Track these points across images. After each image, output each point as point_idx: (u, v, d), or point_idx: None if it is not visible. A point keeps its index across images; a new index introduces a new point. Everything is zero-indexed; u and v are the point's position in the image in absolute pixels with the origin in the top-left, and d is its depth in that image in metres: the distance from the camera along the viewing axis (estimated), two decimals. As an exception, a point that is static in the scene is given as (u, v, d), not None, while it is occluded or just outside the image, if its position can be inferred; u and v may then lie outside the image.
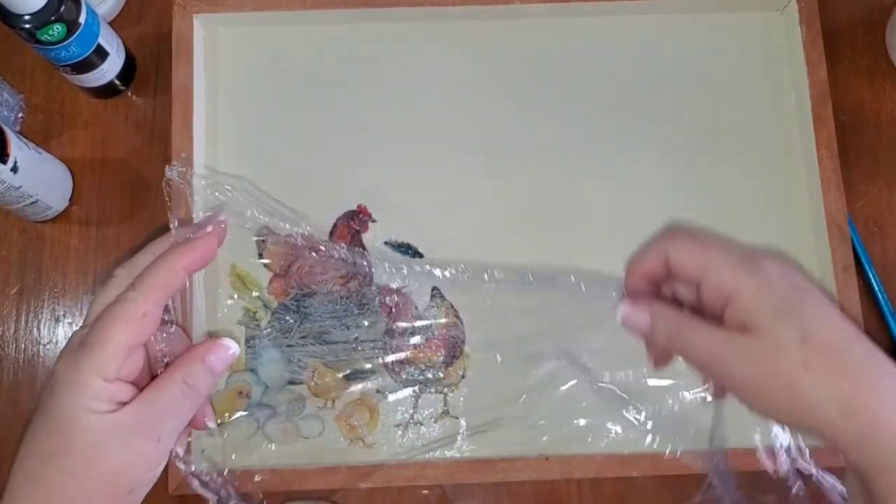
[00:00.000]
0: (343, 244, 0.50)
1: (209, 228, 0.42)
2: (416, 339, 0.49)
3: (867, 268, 0.52)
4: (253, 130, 0.52)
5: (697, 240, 0.38)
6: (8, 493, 0.36)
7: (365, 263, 0.50)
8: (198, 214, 0.47)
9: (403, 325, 0.49)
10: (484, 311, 0.49)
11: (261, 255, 0.50)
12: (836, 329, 0.34)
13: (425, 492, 0.49)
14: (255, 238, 0.50)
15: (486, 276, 0.47)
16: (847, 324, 0.34)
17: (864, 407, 0.32)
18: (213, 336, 0.45)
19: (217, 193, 0.47)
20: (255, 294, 0.50)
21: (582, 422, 0.48)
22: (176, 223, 0.44)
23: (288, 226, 0.48)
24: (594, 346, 0.48)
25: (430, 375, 0.49)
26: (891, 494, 0.32)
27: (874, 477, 0.32)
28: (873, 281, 0.51)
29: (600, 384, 0.48)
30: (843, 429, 0.32)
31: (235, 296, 0.50)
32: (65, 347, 0.38)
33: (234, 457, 0.48)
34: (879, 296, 0.51)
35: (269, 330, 0.49)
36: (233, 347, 0.40)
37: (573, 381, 0.49)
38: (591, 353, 0.48)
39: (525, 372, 0.49)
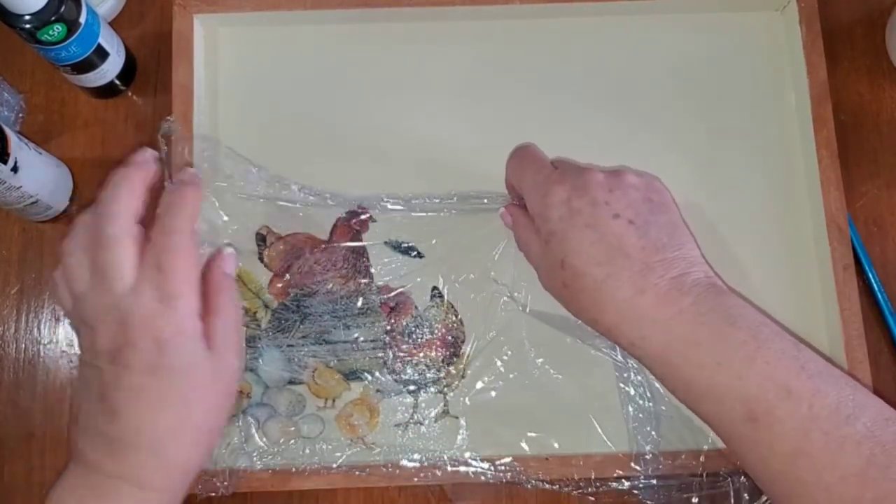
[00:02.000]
0: (343, 244, 0.50)
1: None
2: (416, 339, 0.49)
3: (867, 267, 0.52)
4: (253, 130, 0.52)
5: (518, 162, 0.46)
6: (112, 409, 0.37)
7: (365, 263, 0.50)
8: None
9: (403, 324, 0.49)
10: (484, 311, 0.49)
11: (261, 255, 0.50)
12: (584, 257, 0.40)
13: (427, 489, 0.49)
14: (255, 236, 0.50)
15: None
16: (597, 249, 0.40)
17: (602, 322, 0.40)
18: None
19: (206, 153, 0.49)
20: (255, 294, 0.50)
21: (584, 422, 0.48)
22: (171, 179, 0.45)
23: (273, 191, 0.50)
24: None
25: (430, 375, 0.49)
26: (660, 376, 0.40)
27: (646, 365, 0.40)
28: (873, 280, 0.52)
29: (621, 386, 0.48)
30: (599, 332, 0.41)
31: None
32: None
33: (234, 456, 0.48)
34: (879, 295, 0.51)
35: (269, 330, 0.49)
36: (233, 251, 0.43)
37: (573, 381, 0.49)
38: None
39: (525, 371, 0.49)
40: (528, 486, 0.48)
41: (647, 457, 0.47)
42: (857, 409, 0.35)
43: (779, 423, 0.36)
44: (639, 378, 0.48)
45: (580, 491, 0.47)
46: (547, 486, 0.49)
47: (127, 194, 0.39)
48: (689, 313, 0.38)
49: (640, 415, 0.47)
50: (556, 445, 0.48)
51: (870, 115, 0.55)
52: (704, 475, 0.46)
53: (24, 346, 0.52)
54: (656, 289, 0.39)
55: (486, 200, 0.50)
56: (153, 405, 0.37)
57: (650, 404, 0.47)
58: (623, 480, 0.47)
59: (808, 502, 0.35)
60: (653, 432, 0.47)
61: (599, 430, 0.48)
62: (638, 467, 0.47)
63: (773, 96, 0.53)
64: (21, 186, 0.47)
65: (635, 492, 0.47)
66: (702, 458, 0.47)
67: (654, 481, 0.46)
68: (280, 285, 0.50)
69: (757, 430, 0.36)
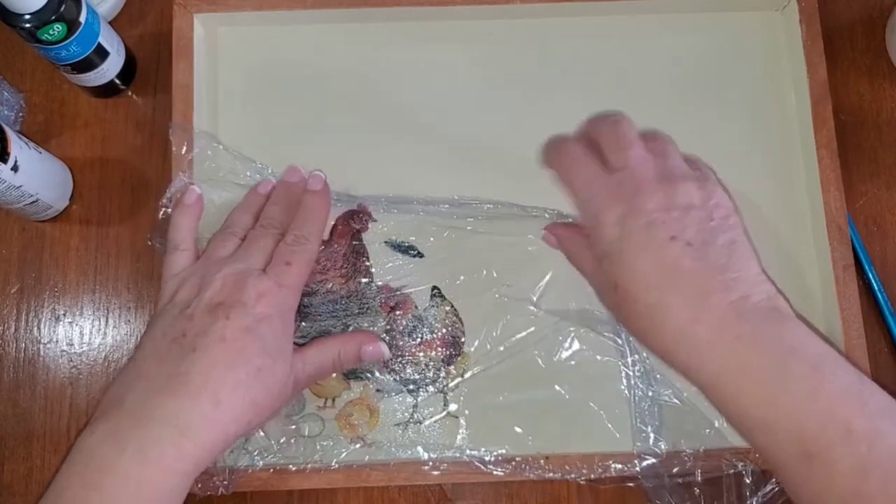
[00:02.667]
0: (343, 243, 0.50)
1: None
2: (416, 339, 0.49)
3: (867, 267, 0.52)
4: (253, 129, 0.52)
5: (565, 162, 0.44)
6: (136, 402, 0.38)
7: (365, 263, 0.50)
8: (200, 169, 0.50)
9: (403, 324, 0.49)
10: (484, 311, 0.49)
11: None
12: (638, 281, 0.38)
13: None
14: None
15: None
16: (651, 273, 0.38)
17: (656, 347, 0.39)
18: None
19: (209, 152, 0.50)
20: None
21: (584, 422, 0.48)
22: (180, 174, 0.49)
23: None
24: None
25: (430, 374, 0.49)
26: (714, 403, 0.38)
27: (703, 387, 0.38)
28: (873, 280, 0.52)
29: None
30: (653, 353, 0.39)
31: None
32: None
33: (234, 455, 0.48)
34: (879, 295, 0.51)
35: (269, 329, 0.49)
36: (386, 353, 0.47)
37: (574, 380, 0.49)
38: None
39: (525, 370, 0.49)
40: (529, 480, 0.48)
41: (648, 453, 0.47)
42: None
43: (836, 462, 0.34)
44: (639, 369, 0.48)
45: (582, 481, 0.47)
46: (548, 481, 0.49)
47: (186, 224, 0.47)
48: (747, 341, 0.36)
49: (643, 403, 0.47)
50: (556, 444, 0.48)
51: (870, 114, 0.55)
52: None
53: (23, 345, 0.52)
54: (713, 315, 0.37)
55: (487, 207, 0.49)
56: (232, 357, 0.39)
57: (651, 392, 0.47)
58: (626, 480, 0.47)
59: None
60: (655, 421, 0.47)
61: (602, 427, 0.48)
62: (641, 463, 0.47)
63: (773, 96, 0.53)
64: (21, 186, 0.47)
65: (631, 484, 0.47)
66: (702, 449, 0.47)
67: (657, 476, 0.46)
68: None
69: (812, 469, 0.35)
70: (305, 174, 0.48)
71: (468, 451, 0.48)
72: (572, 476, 0.47)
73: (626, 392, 0.48)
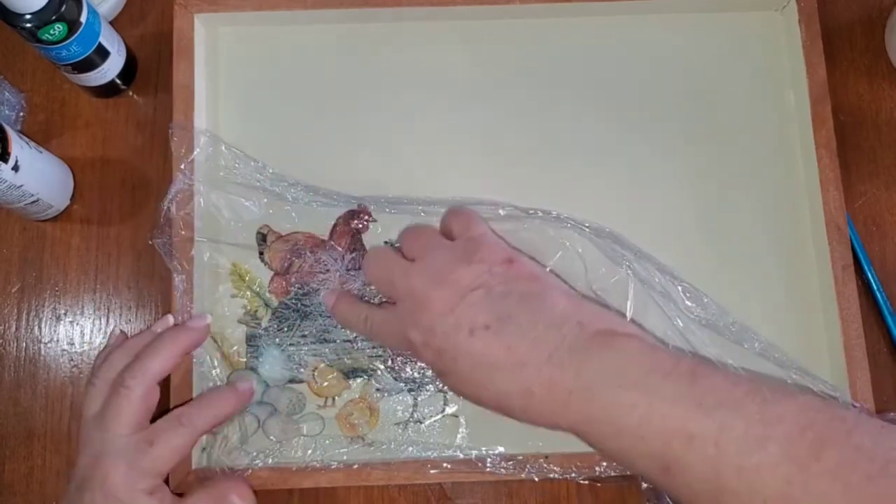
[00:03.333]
0: (344, 243, 0.50)
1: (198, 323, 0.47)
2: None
3: (866, 267, 0.52)
4: (254, 129, 0.52)
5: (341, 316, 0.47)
6: None
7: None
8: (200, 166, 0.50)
9: (403, 323, 0.49)
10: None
11: (262, 254, 0.50)
12: (472, 388, 0.40)
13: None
14: (256, 235, 0.50)
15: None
16: (476, 375, 0.40)
17: (525, 421, 0.40)
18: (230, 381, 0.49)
19: (210, 149, 0.50)
20: (255, 293, 0.50)
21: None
22: (184, 166, 0.49)
23: (279, 189, 0.50)
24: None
25: (429, 374, 0.49)
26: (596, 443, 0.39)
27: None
28: (872, 280, 0.52)
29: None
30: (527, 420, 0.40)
31: (236, 294, 0.50)
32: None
33: (234, 455, 0.48)
34: (878, 295, 0.51)
35: (269, 328, 0.49)
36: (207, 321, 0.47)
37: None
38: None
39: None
40: (529, 480, 0.48)
41: None
42: (767, 429, 0.35)
43: (690, 469, 0.35)
44: None
45: (582, 480, 0.47)
46: (548, 481, 0.49)
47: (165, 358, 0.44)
48: (578, 394, 0.38)
49: None
50: (555, 444, 0.48)
51: (869, 114, 0.55)
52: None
53: (24, 344, 0.52)
54: (539, 382, 0.38)
55: (486, 207, 0.49)
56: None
57: None
58: (624, 479, 0.47)
59: None
60: None
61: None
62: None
63: (773, 96, 0.53)
64: (22, 185, 0.47)
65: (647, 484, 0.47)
66: None
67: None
68: (280, 284, 0.50)
69: (674, 479, 0.36)
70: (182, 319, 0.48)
71: (468, 451, 0.48)
72: (572, 475, 0.47)
73: None
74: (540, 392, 0.38)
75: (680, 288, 0.48)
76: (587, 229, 0.49)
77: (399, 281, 0.43)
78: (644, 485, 0.46)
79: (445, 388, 0.49)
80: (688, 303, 0.48)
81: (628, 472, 0.46)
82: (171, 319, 0.48)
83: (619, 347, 0.39)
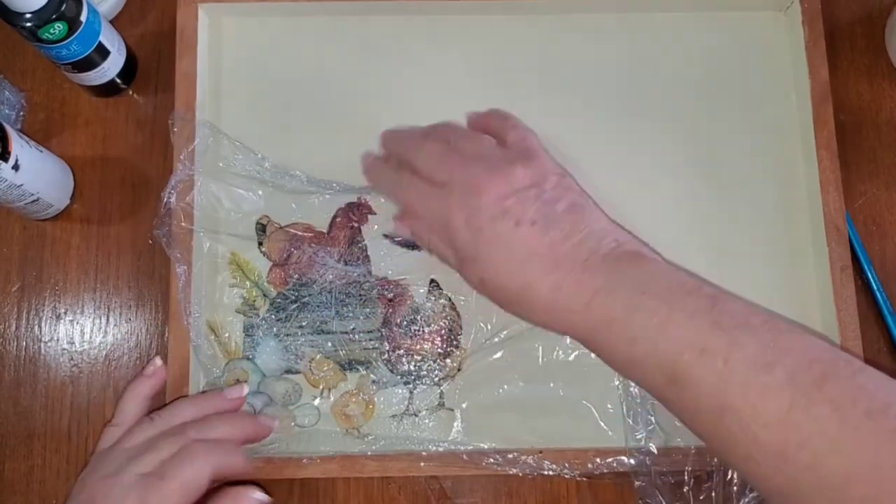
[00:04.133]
0: (342, 235, 0.50)
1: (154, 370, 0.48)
2: (413, 331, 0.49)
3: (866, 267, 0.52)
4: (256, 120, 0.52)
5: (389, 183, 0.47)
6: None
7: (364, 255, 0.50)
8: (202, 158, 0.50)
9: (401, 316, 0.49)
10: (482, 304, 0.49)
11: (261, 245, 0.51)
12: (500, 272, 0.41)
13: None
14: (255, 225, 0.50)
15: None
16: (508, 262, 0.41)
17: (534, 320, 0.42)
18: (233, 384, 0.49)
19: (211, 140, 0.50)
20: (254, 283, 0.50)
21: (579, 417, 0.49)
22: (182, 156, 0.49)
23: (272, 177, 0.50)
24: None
25: (426, 367, 0.49)
26: (591, 351, 0.41)
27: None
28: (872, 280, 0.52)
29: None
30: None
31: (235, 284, 0.50)
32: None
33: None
34: (878, 295, 0.51)
35: (267, 319, 0.50)
36: (263, 499, 0.43)
37: (573, 376, 0.49)
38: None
39: (521, 365, 0.49)
40: (529, 478, 0.48)
41: (639, 451, 0.47)
42: (777, 355, 0.36)
43: (697, 382, 0.36)
44: None
45: (578, 477, 0.47)
46: (548, 481, 0.49)
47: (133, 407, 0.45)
48: (603, 294, 0.39)
49: (635, 400, 0.47)
50: (551, 438, 0.48)
51: (869, 114, 0.55)
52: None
53: (24, 343, 0.52)
54: (570, 280, 0.40)
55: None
56: None
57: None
58: (618, 476, 0.47)
59: (739, 453, 0.36)
60: (650, 417, 0.47)
61: (595, 422, 0.48)
62: (632, 460, 0.47)
63: (775, 96, 0.53)
64: (22, 185, 0.47)
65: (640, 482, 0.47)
66: (693, 447, 0.47)
67: (647, 474, 0.47)
68: (279, 275, 0.50)
69: (680, 393, 0.37)
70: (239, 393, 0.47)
71: (462, 444, 0.48)
72: (566, 471, 0.47)
73: (619, 389, 0.48)
74: (568, 288, 0.40)
75: None
76: None
77: (453, 164, 0.43)
78: (637, 483, 0.47)
79: (441, 381, 0.49)
80: None
81: (621, 469, 0.47)
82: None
83: (648, 264, 0.41)
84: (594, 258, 0.40)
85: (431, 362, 0.49)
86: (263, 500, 0.43)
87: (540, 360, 0.49)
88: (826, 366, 0.35)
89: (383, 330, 0.49)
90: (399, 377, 0.49)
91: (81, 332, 0.52)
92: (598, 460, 0.47)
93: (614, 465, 0.47)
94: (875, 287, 0.52)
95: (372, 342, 0.49)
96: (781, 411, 0.34)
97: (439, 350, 0.49)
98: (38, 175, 0.49)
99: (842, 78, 0.55)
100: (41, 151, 0.49)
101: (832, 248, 0.49)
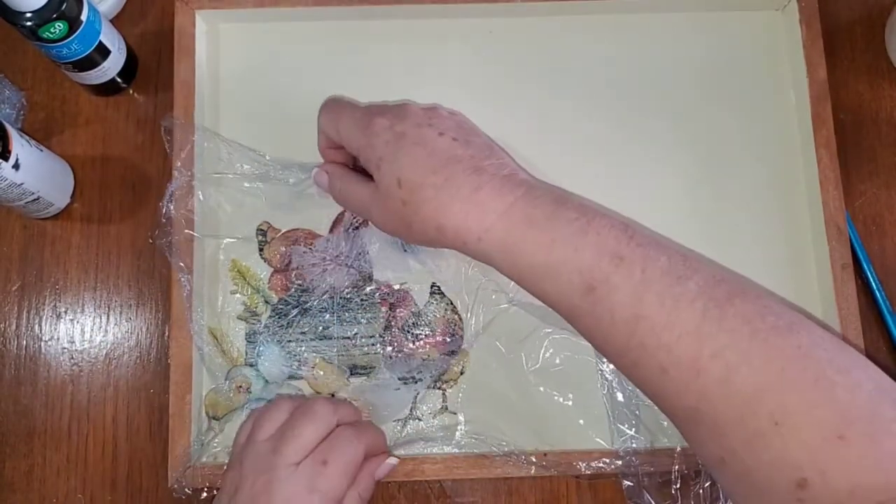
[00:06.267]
0: (344, 240, 0.50)
1: None
2: (415, 335, 0.49)
3: (865, 266, 0.52)
4: (255, 126, 0.52)
5: (332, 110, 0.46)
6: None
7: (365, 259, 0.50)
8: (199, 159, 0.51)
9: (403, 321, 0.49)
10: (483, 308, 0.50)
11: (261, 251, 0.51)
12: (419, 170, 0.41)
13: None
14: (256, 231, 0.51)
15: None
16: (430, 160, 0.41)
17: (448, 226, 0.40)
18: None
19: (206, 144, 0.51)
20: (255, 289, 0.50)
21: (581, 419, 0.49)
22: (179, 163, 0.49)
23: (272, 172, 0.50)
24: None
25: (428, 371, 0.49)
26: (505, 267, 0.40)
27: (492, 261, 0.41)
28: (871, 280, 0.52)
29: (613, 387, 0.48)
30: (445, 242, 0.41)
31: (236, 291, 0.50)
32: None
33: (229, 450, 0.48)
34: (878, 294, 0.51)
35: (269, 325, 0.50)
36: (395, 462, 0.46)
37: (572, 377, 0.49)
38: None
39: (523, 368, 0.49)
40: (529, 478, 0.48)
41: (630, 450, 0.47)
42: (688, 271, 0.37)
43: (615, 290, 0.37)
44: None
45: (578, 479, 0.47)
46: (548, 480, 0.49)
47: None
48: (523, 200, 0.39)
49: (620, 402, 0.47)
50: (553, 441, 0.48)
51: (869, 114, 0.55)
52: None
53: (24, 342, 0.52)
54: (491, 183, 0.40)
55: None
56: None
57: (630, 388, 0.47)
58: (620, 475, 0.47)
59: (653, 366, 0.36)
60: (633, 419, 0.47)
61: (598, 426, 0.48)
62: (619, 461, 0.47)
63: (773, 95, 0.53)
64: (22, 184, 0.47)
65: (628, 483, 0.47)
66: (679, 448, 0.47)
67: (634, 475, 0.47)
68: (280, 281, 0.50)
69: (596, 302, 0.37)
70: None
71: (466, 448, 0.48)
72: (570, 473, 0.47)
73: (603, 391, 0.48)
74: (489, 191, 0.40)
75: None
76: None
77: (373, 108, 0.44)
78: (625, 483, 0.47)
79: (444, 385, 0.49)
80: None
81: (627, 472, 0.47)
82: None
83: (562, 190, 0.43)
84: (514, 176, 0.41)
85: (434, 366, 0.49)
86: (394, 463, 0.46)
87: (543, 362, 0.49)
88: (732, 285, 0.37)
89: (385, 334, 0.49)
90: (402, 381, 0.49)
91: (81, 331, 0.52)
92: (601, 462, 0.47)
93: (617, 465, 0.47)
94: (875, 286, 0.52)
95: (374, 347, 0.49)
96: (695, 322, 0.35)
97: (441, 354, 0.49)
98: (39, 174, 0.49)
99: (841, 77, 0.55)
100: (41, 150, 0.50)
101: (833, 246, 0.49)
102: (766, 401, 0.34)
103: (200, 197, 0.50)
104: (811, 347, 0.35)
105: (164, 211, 0.49)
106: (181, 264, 0.48)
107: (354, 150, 0.44)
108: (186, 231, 0.49)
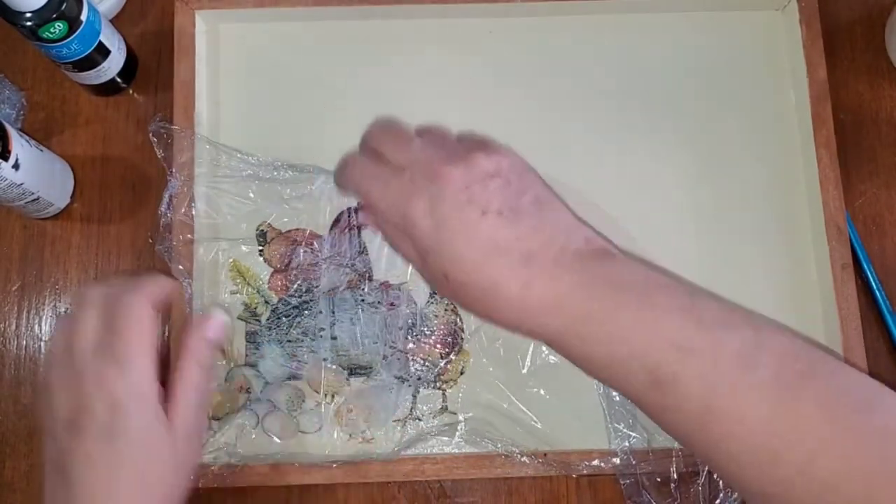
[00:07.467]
0: (343, 239, 0.50)
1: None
2: (415, 335, 0.49)
3: (865, 266, 0.52)
4: (254, 126, 0.52)
5: (357, 183, 0.41)
6: (69, 479, 0.37)
7: (365, 259, 0.50)
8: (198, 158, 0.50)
9: (402, 321, 0.49)
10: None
11: (261, 251, 0.51)
12: (464, 265, 0.38)
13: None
14: (255, 232, 0.51)
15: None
16: (474, 254, 0.37)
17: (501, 321, 0.38)
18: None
19: (208, 149, 0.50)
20: (255, 289, 0.50)
21: (580, 419, 0.49)
22: (174, 169, 0.49)
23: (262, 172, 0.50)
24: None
25: (428, 371, 0.49)
26: (564, 355, 0.38)
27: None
28: (871, 279, 0.52)
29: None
30: (500, 327, 0.39)
31: (236, 291, 0.50)
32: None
33: (233, 451, 0.48)
34: (878, 294, 0.51)
35: (269, 325, 0.50)
36: (224, 317, 0.42)
37: (572, 377, 0.49)
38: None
39: (522, 368, 0.49)
40: (529, 477, 0.48)
41: (628, 449, 0.47)
42: (759, 352, 0.35)
43: (684, 384, 0.34)
44: None
45: (578, 479, 0.47)
46: (547, 479, 0.49)
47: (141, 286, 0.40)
48: (577, 291, 0.37)
49: (616, 401, 0.47)
50: (553, 441, 0.48)
51: (869, 114, 0.55)
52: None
53: (24, 342, 0.52)
54: (541, 275, 0.37)
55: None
56: (105, 472, 0.36)
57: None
58: (618, 474, 0.47)
59: (726, 455, 0.35)
60: (630, 419, 0.47)
61: (594, 424, 0.48)
62: (617, 460, 0.47)
63: (773, 95, 0.53)
64: (22, 184, 0.47)
65: (627, 482, 0.47)
66: (676, 446, 0.47)
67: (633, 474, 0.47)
68: (280, 281, 0.50)
69: (664, 396, 0.35)
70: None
71: (466, 447, 0.48)
72: (570, 472, 0.47)
73: (599, 390, 0.48)
74: (539, 284, 0.37)
75: None
76: None
77: (412, 149, 0.40)
78: (624, 482, 0.47)
79: (444, 385, 0.49)
80: None
81: (625, 472, 0.47)
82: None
83: (620, 260, 0.39)
84: (564, 255, 0.38)
85: (434, 366, 0.49)
86: (222, 318, 0.42)
87: (543, 362, 0.49)
88: (807, 363, 0.35)
89: (385, 334, 0.49)
90: (402, 381, 0.49)
91: (81, 330, 0.52)
92: (601, 462, 0.47)
93: (601, 466, 0.47)
94: (875, 286, 0.52)
95: (374, 347, 0.49)
96: (769, 411, 0.34)
97: (441, 354, 0.49)
98: (39, 174, 0.49)
99: (841, 77, 0.55)
100: (41, 150, 0.50)
101: (833, 246, 0.49)
102: (851, 486, 0.32)
103: (198, 201, 0.50)
104: (893, 427, 0.33)
105: (161, 220, 0.49)
106: (181, 269, 0.48)
107: (395, 226, 0.40)
108: (186, 235, 0.49)
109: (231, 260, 0.50)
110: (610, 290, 0.37)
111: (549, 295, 0.37)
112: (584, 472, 0.47)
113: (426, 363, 0.49)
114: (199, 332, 0.40)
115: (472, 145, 0.40)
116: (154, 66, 0.55)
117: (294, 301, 0.50)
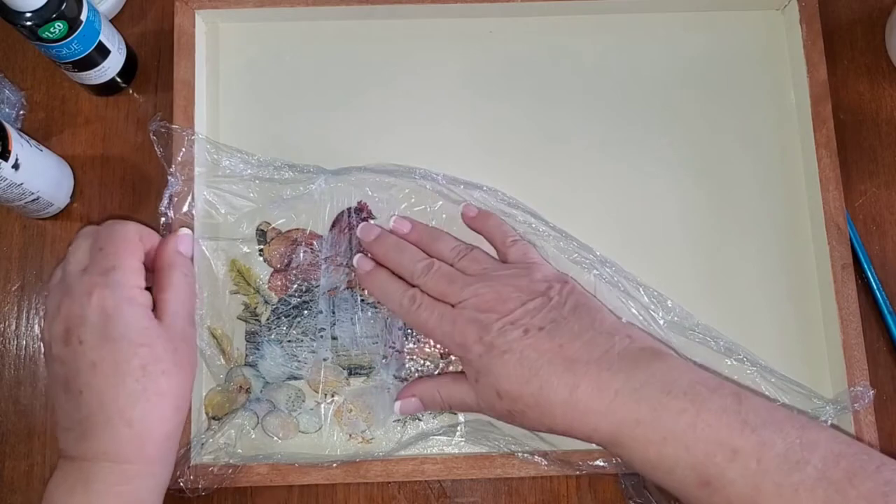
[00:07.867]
0: (343, 239, 0.50)
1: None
2: (415, 335, 0.49)
3: (866, 266, 0.52)
4: (254, 126, 0.52)
5: (414, 317, 0.45)
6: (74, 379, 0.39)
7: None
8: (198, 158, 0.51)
9: (403, 320, 0.49)
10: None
11: (261, 251, 0.51)
12: (514, 380, 0.41)
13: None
14: (255, 232, 0.50)
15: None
16: (522, 369, 0.41)
17: (556, 427, 0.41)
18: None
19: (209, 149, 0.51)
20: (255, 289, 0.50)
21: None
22: (174, 168, 0.49)
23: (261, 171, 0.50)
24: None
25: (428, 371, 0.49)
26: (617, 455, 0.40)
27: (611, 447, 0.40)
28: (872, 279, 0.52)
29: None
30: (557, 435, 0.42)
31: (236, 291, 0.50)
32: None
33: (233, 451, 0.48)
34: (878, 294, 0.51)
35: (269, 325, 0.50)
36: (188, 231, 0.47)
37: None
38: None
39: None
40: (529, 477, 0.48)
41: None
42: (806, 452, 0.36)
43: (731, 484, 0.36)
44: None
45: (579, 476, 0.47)
46: (548, 479, 0.49)
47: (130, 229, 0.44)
48: (625, 393, 0.39)
49: None
50: (553, 440, 0.48)
51: (869, 114, 0.55)
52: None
53: (24, 342, 0.52)
54: (586, 378, 0.40)
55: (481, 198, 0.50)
56: (111, 376, 0.39)
57: None
58: (619, 475, 0.47)
59: None
60: None
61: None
62: (618, 460, 0.47)
63: (773, 95, 0.53)
64: (22, 183, 0.47)
65: (628, 482, 0.47)
66: None
67: (636, 474, 0.46)
68: (280, 281, 0.50)
69: (712, 494, 0.37)
70: None
71: (466, 448, 0.48)
72: (570, 472, 0.47)
73: None
74: (586, 388, 0.39)
75: (641, 290, 0.48)
76: (552, 235, 0.49)
77: (460, 287, 0.44)
78: (625, 482, 0.47)
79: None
80: (651, 306, 0.48)
81: (627, 472, 0.47)
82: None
83: (666, 360, 0.41)
84: (609, 356, 0.40)
85: (434, 366, 0.49)
86: (188, 233, 0.47)
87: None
88: (851, 460, 0.36)
89: (385, 334, 0.49)
90: (402, 381, 0.49)
91: (81, 330, 0.52)
92: (602, 462, 0.47)
93: (602, 465, 0.47)
94: (875, 286, 0.52)
95: (374, 346, 0.49)
96: None
97: (441, 353, 0.49)
98: (38, 174, 0.49)
99: (841, 77, 0.55)
100: (41, 150, 0.49)
101: (833, 246, 0.49)
102: None
103: (198, 200, 0.50)
104: None
105: (161, 220, 0.49)
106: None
107: (450, 351, 0.46)
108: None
109: (231, 260, 0.50)
110: (659, 393, 0.39)
111: (596, 398, 0.39)
112: (585, 472, 0.47)
113: (426, 363, 0.49)
114: (173, 247, 0.45)
115: (517, 271, 0.44)
116: (154, 66, 0.55)
117: (294, 301, 0.50)
